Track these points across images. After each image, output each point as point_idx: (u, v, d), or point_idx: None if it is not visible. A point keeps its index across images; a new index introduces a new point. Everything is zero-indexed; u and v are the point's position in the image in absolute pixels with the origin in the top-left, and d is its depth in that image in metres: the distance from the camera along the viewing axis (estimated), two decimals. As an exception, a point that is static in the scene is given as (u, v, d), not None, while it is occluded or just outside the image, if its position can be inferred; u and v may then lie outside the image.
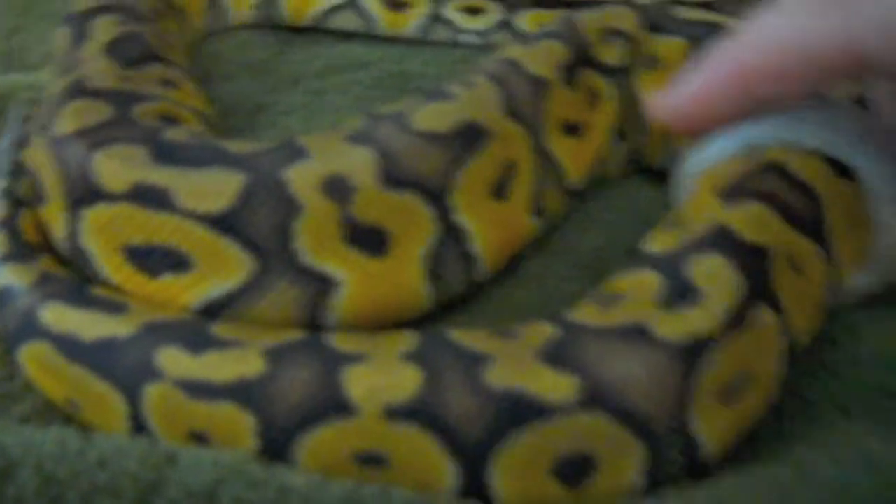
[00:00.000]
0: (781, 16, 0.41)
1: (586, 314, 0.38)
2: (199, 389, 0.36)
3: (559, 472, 0.35)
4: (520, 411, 0.34)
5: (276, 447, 0.35)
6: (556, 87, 0.49)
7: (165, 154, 0.42)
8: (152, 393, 0.36)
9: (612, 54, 0.52)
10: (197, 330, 0.38)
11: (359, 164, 0.42)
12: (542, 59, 0.49)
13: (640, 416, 0.35)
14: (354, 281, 0.42)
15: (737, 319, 0.37)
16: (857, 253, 0.44)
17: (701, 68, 0.43)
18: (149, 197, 0.41)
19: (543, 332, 0.37)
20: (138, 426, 0.37)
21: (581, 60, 0.51)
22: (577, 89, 0.50)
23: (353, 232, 0.42)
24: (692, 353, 0.36)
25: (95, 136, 0.44)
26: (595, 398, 0.34)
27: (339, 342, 0.37)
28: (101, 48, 0.51)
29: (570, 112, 0.50)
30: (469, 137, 0.44)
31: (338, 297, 0.42)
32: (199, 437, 0.36)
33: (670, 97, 0.44)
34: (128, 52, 0.51)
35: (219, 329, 0.38)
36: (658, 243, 0.41)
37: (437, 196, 0.43)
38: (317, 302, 0.42)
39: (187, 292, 0.42)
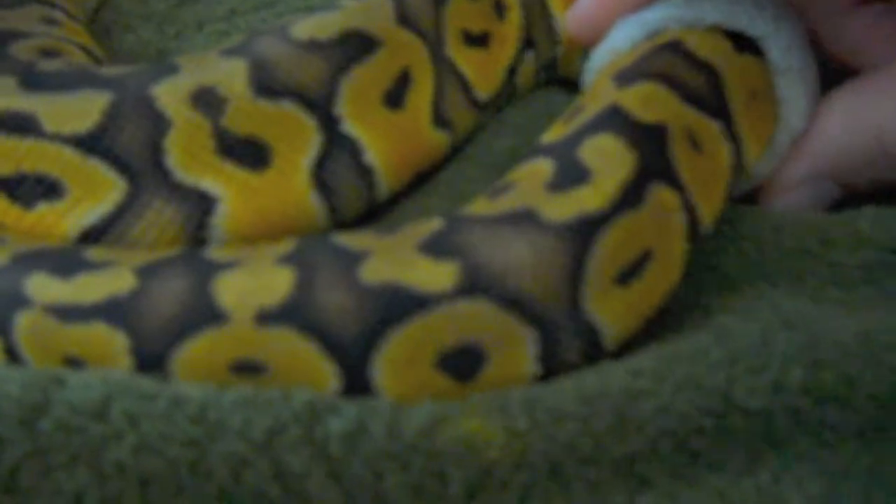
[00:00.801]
0: None
1: (476, 207, 0.36)
2: (69, 313, 0.34)
3: (446, 364, 0.33)
4: (396, 305, 0.32)
5: (150, 364, 0.34)
6: None
7: (34, 82, 0.41)
8: (23, 321, 0.35)
9: None
10: (69, 255, 0.37)
11: (229, 74, 0.41)
12: None
13: (528, 302, 0.33)
14: (234, 196, 0.41)
15: (631, 197, 0.35)
16: (762, 133, 0.42)
17: None
18: (14, 124, 0.40)
19: (429, 226, 0.35)
20: (13, 357, 0.36)
21: None
22: (482, 0, 0.49)
23: (228, 145, 0.41)
24: (582, 232, 0.34)
25: None
26: (476, 285, 0.33)
27: (216, 253, 0.35)
28: None
29: (473, 23, 0.48)
30: (353, 45, 0.43)
31: (219, 213, 0.41)
32: (73, 363, 0.35)
33: (575, 9, 0.44)
34: None
35: (93, 252, 0.37)
36: (553, 133, 0.39)
37: (319, 105, 0.42)
38: (198, 220, 0.41)
39: (63, 220, 0.41)
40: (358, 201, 0.44)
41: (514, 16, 0.50)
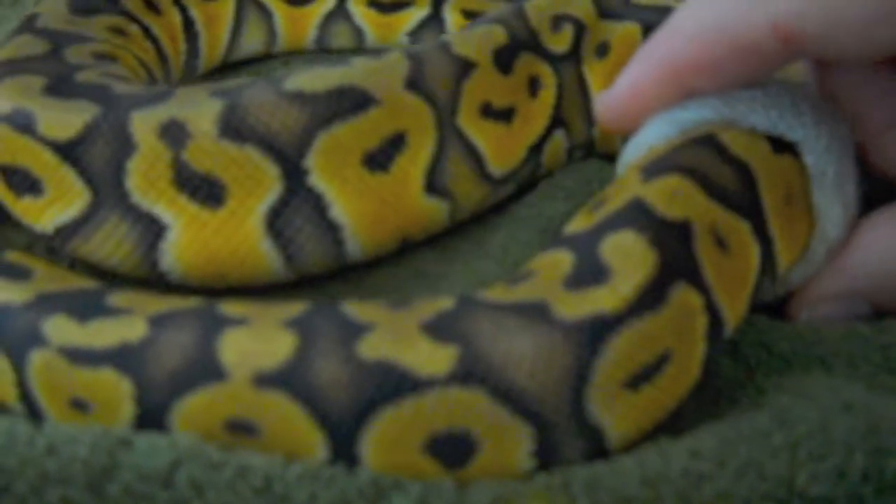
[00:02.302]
0: (705, 4, 0.40)
1: (492, 292, 0.35)
2: (80, 356, 0.35)
3: (435, 449, 0.33)
4: (390, 383, 0.32)
5: (152, 413, 0.34)
6: (485, 69, 0.48)
7: (58, 87, 0.45)
8: (37, 360, 0.36)
9: (560, 41, 0.51)
10: (91, 299, 0.37)
11: (200, 112, 0.42)
12: (475, 41, 0.48)
13: (523, 396, 0.32)
14: (184, 227, 0.43)
15: (650, 299, 0.34)
16: (796, 238, 0.41)
17: (632, 64, 0.42)
18: (20, 120, 0.44)
19: (438, 305, 0.35)
20: (24, 394, 0.37)
21: (523, 46, 0.50)
22: (514, 75, 0.49)
23: (185, 178, 0.43)
24: (592, 334, 0.33)
25: (13, 66, 0.47)
26: (472, 373, 0.32)
27: (229, 308, 0.36)
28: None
29: (498, 96, 0.48)
30: (342, 101, 0.43)
31: (168, 241, 0.43)
32: (79, 405, 0.35)
33: (607, 96, 0.44)
34: (86, 4, 0.55)
35: (115, 298, 0.38)
36: (576, 223, 0.39)
37: (286, 155, 0.43)
38: (150, 243, 0.44)
39: (42, 215, 0.45)
40: (324, 257, 0.45)
41: (548, 95, 0.51)
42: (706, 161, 0.39)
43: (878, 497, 0.32)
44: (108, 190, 0.43)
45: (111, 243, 0.44)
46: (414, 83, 0.46)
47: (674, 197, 0.37)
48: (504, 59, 0.49)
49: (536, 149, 0.50)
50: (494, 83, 0.48)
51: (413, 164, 0.45)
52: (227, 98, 0.43)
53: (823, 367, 0.39)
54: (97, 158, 0.43)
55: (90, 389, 0.35)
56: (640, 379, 0.34)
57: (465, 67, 0.47)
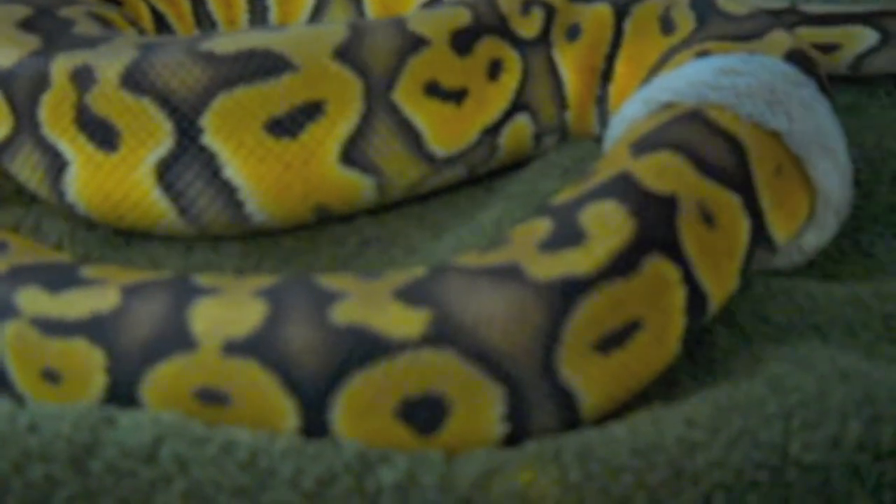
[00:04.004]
0: None
1: (465, 258, 0.35)
2: (52, 326, 0.35)
3: (407, 414, 0.32)
4: (361, 347, 0.32)
5: (123, 383, 0.34)
6: (438, 48, 0.47)
7: (35, 20, 0.49)
8: (9, 331, 0.36)
9: (529, 26, 0.50)
10: (64, 272, 0.38)
11: (111, 62, 0.45)
12: (434, 20, 0.48)
13: (496, 356, 0.32)
14: (82, 165, 0.45)
15: (623, 265, 0.34)
16: (792, 209, 0.41)
17: None
18: None
19: (411, 273, 0.35)
20: None
21: (488, 29, 0.49)
22: (473, 57, 0.49)
23: (86, 120, 0.45)
24: (563, 294, 0.33)
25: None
26: (444, 334, 0.32)
27: (203, 279, 0.36)
28: None
29: (449, 77, 0.48)
30: (253, 64, 0.44)
31: (70, 175, 0.46)
32: (51, 376, 0.35)
33: None
34: None
35: (89, 270, 0.38)
36: (564, 194, 0.38)
37: (181, 112, 0.44)
38: (55, 174, 0.46)
39: None
40: (221, 215, 0.46)
41: (510, 79, 0.50)
42: (696, 136, 0.39)
43: (874, 465, 0.31)
44: (26, 119, 0.46)
45: (28, 168, 0.47)
46: (344, 53, 0.45)
47: (662, 172, 0.37)
48: (463, 41, 0.48)
49: (492, 132, 0.49)
50: (447, 63, 0.48)
51: (328, 134, 0.45)
52: (140, 51, 0.45)
53: (820, 335, 0.38)
54: (22, 89, 0.46)
55: (62, 360, 0.35)
56: (610, 343, 0.34)
57: (415, 44, 0.47)
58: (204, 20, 0.62)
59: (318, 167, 0.46)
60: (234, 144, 0.45)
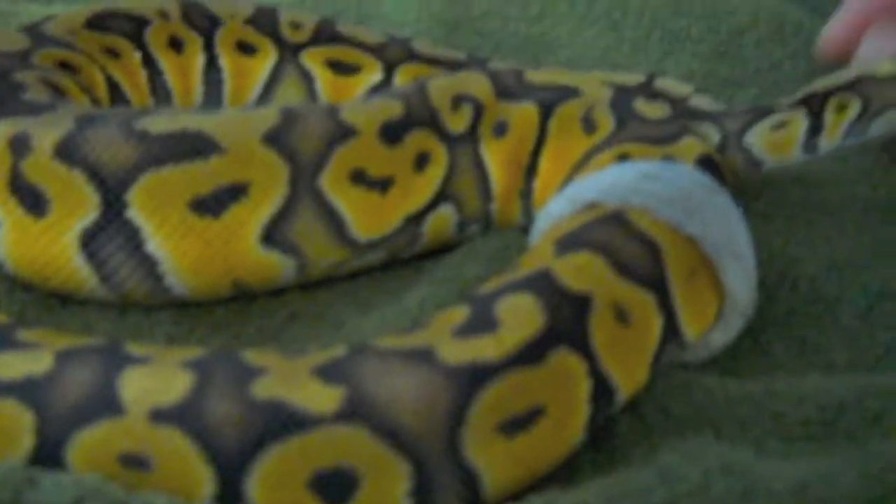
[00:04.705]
0: None
1: (384, 340, 0.37)
2: None
3: (319, 486, 0.34)
4: (279, 422, 0.34)
5: (50, 446, 0.35)
6: (367, 139, 0.50)
7: None
8: None
9: (458, 121, 0.53)
10: (1, 334, 0.39)
11: (48, 131, 0.47)
12: (366, 110, 0.50)
13: (405, 434, 0.34)
14: (11, 227, 0.48)
15: (530, 355, 0.36)
16: (702, 309, 0.44)
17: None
18: None
19: (331, 352, 0.37)
20: None
21: (419, 122, 0.51)
22: (402, 148, 0.51)
23: (18, 185, 0.47)
24: (471, 378, 0.35)
25: None
26: (357, 411, 0.34)
27: (133, 348, 0.37)
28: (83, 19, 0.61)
29: (376, 166, 0.50)
30: (184, 145, 0.47)
31: (1, 236, 0.48)
32: None
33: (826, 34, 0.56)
34: (105, 23, 0.61)
35: (26, 334, 0.39)
36: (486, 285, 0.41)
37: (109, 186, 0.47)
38: None
39: None
40: (141, 286, 0.48)
41: (436, 171, 0.52)
42: (616, 238, 0.42)
43: (748, 554, 0.34)
44: None
45: None
46: (273, 138, 0.48)
47: (580, 271, 0.40)
48: (393, 132, 0.51)
49: (415, 220, 0.52)
50: (374, 153, 0.50)
51: (251, 216, 0.48)
52: (77, 123, 0.47)
53: (714, 429, 0.41)
54: None
55: None
56: (514, 427, 0.36)
57: (345, 133, 0.49)
58: (159, 90, 0.64)
59: (239, 246, 0.48)
60: (158, 220, 0.47)
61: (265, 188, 0.48)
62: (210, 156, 0.47)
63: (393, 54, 0.67)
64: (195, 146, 0.47)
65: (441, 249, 0.54)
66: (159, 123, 0.47)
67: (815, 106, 0.53)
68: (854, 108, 0.52)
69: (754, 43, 0.74)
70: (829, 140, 0.53)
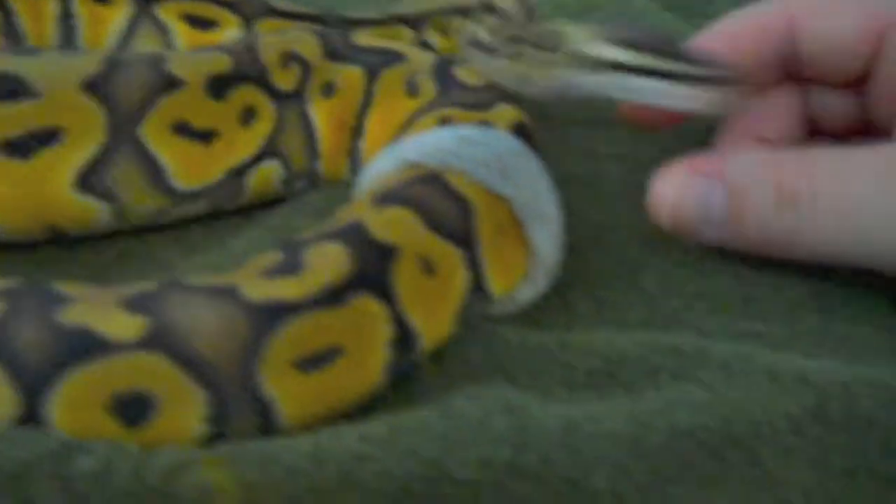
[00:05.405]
0: None
1: (195, 278, 0.39)
2: None
3: (117, 409, 0.36)
4: (82, 347, 0.35)
5: None
6: (192, 90, 0.51)
7: None
8: None
9: (287, 79, 0.54)
10: None
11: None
12: (193, 63, 0.51)
13: (202, 363, 0.36)
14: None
15: (330, 297, 0.39)
16: (509, 265, 0.46)
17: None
18: None
19: (141, 286, 0.38)
20: None
21: (246, 78, 0.53)
22: (227, 102, 0.52)
23: None
24: (270, 314, 0.37)
25: None
26: (157, 339, 0.36)
27: None
28: None
29: (200, 118, 0.51)
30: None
31: None
32: None
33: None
34: None
35: None
36: (304, 235, 0.42)
37: None
38: None
39: None
40: None
41: (262, 127, 0.54)
42: (430, 195, 0.44)
43: (518, 482, 0.36)
44: None
45: None
46: (93, 85, 0.49)
47: (390, 224, 0.42)
48: (219, 86, 0.52)
49: (239, 173, 0.53)
50: (199, 105, 0.51)
51: (63, 161, 0.49)
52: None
53: (508, 377, 0.44)
54: None
55: None
56: (310, 364, 0.38)
57: (169, 84, 0.50)
58: (11, 32, 0.64)
59: (50, 190, 0.49)
60: None
61: (80, 134, 0.49)
62: (23, 99, 0.47)
63: (251, 9, 0.68)
64: (9, 88, 0.47)
65: (275, 201, 0.56)
66: None
67: None
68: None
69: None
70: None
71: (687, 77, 0.49)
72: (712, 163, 0.50)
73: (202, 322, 0.36)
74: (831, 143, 0.56)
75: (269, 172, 0.55)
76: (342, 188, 0.56)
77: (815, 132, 0.57)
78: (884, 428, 0.41)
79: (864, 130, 0.55)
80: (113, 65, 0.49)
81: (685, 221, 0.50)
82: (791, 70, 0.55)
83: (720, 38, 0.55)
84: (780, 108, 0.56)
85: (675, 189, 0.50)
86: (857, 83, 0.53)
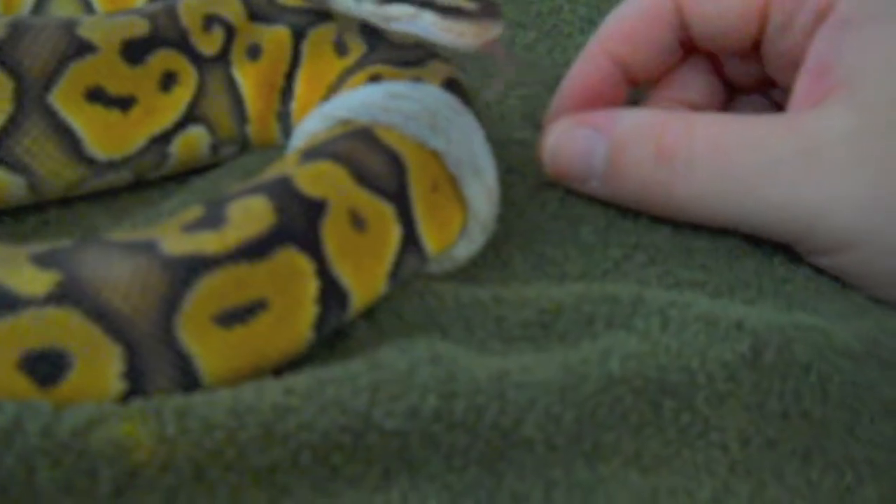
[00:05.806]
0: None
1: (116, 234, 0.38)
2: None
3: (29, 367, 0.34)
4: None
5: None
6: (106, 56, 0.49)
7: None
8: None
9: (210, 42, 0.53)
10: None
11: None
12: (106, 28, 0.50)
13: (116, 318, 0.35)
14: None
15: (252, 251, 0.38)
16: (444, 221, 0.46)
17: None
18: None
19: (57, 243, 0.37)
20: None
21: (165, 42, 0.51)
22: (145, 67, 0.50)
23: None
24: (187, 268, 0.36)
25: None
26: (69, 294, 0.35)
27: None
28: None
29: (115, 84, 0.50)
30: None
31: None
32: None
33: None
34: None
35: None
36: (228, 191, 0.41)
37: None
38: None
39: None
40: None
41: (184, 92, 0.52)
42: (361, 150, 0.43)
43: (447, 433, 0.36)
44: None
45: None
46: (6, 56, 0.47)
47: (318, 178, 0.41)
48: (135, 51, 0.50)
49: (162, 140, 0.52)
50: (114, 71, 0.50)
51: None
52: None
53: (442, 331, 0.43)
54: None
55: None
56: (232, 318, 0.37)
57: (81, 49, 0.49)
58: None
59: None
60: None
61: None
62: None
63: None
64: None
65: (207, 168, 0.55)
66: None
67: None
68: None
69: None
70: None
71: (439, 7, 0.47)
72: (602, 117, 0.52)
73: (116, 276, 0.35)
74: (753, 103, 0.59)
75: (195, 139, 0.53)
76: (276, 152, 0.54)
77: (738, 90, 0.59)
78: (818, 372, 0.41)
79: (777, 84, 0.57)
80: (19, 29, 0.48)
81: (568, 170, 0.52)
82: (691, 46, 0.56)
83: (618, 32, 0.56)
84: (699, 73, 0.57)
85: (561, 138, 0.52)
86: (754, 50, 0.55)
